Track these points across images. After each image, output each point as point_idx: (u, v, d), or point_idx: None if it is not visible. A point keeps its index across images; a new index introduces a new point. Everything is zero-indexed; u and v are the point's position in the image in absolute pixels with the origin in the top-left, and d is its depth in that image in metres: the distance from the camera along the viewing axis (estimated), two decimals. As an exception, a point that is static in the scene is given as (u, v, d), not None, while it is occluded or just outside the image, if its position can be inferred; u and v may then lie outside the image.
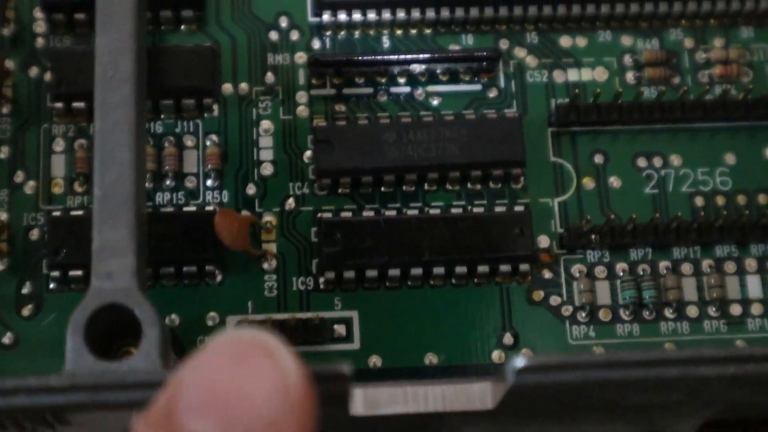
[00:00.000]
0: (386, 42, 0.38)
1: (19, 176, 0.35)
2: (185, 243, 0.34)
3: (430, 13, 0.37)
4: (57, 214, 0.34)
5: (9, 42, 0.37)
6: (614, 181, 0.37)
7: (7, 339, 0.34)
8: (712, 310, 0.35)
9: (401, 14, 0.37)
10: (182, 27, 0.37)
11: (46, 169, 0.35)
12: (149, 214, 0.33)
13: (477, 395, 0.27)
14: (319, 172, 0.35)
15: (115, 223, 0.29)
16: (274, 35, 0.38)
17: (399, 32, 0.38)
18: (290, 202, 0.36)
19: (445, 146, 0.35)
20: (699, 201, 0.37)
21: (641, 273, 0.36)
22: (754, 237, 0.36)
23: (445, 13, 0.37)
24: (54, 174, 0.35)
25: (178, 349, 0.34)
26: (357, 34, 0.38)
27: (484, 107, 0.37)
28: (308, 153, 0.36)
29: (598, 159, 0.37)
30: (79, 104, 0.35)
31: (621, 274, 0.36)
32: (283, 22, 0.38)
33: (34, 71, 0.37)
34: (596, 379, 0.26)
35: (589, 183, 0.36)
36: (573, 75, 0.38)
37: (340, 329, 0.34)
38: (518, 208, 0.35)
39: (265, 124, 0.36)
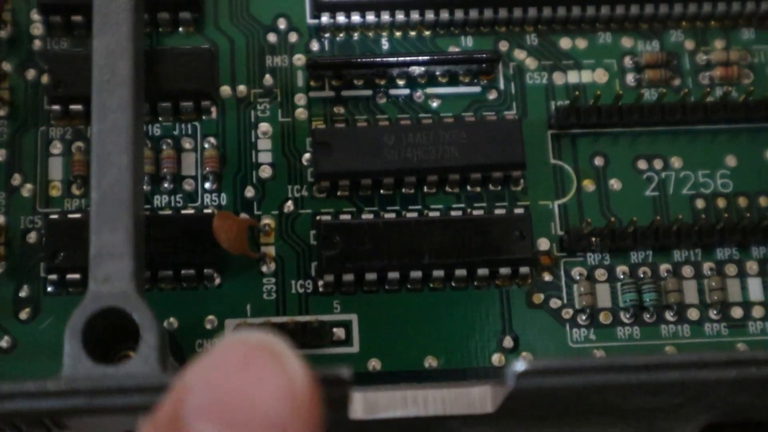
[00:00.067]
0: (385, 44, 0.38)
1: (17, 179, 0.35)
2: (183, 246, 0.34)
3: (430, 15, 0.37)
4: (54, 217, 0.34)
5: (6, 44, 0.37)
6: (614, 184, 0.36)
7: (4, 342, 0.34)
8: (713, 313, 0.35)
9: (400, 16, 0.37)
10: (180, 29, 0.37)
11: (43, 172, 0.35)
12: (147, 217, 0.33)
13: (477, 399, 0.27)
14: (318, 174, 0.35)
15: (112, 226, 0.29)
16: (272, 37, 0.37)
17: (398, 34, 0.38)
18: (289, 205, 0.35)
19: (445, 148, 0.35)
20: (700, 203, 0.36)
21: (642, 276, 0.35)
22: (755, 239, 0.36)
23: (444, 14, 0.37)
24: (51, 177, 0.35)
25: (176, 352, 0.34)
26: (356, 35, 0.38)
27: (483, 109, 0.37)
28: (307, 155, 0.36)
29: (599, 161, 0.37)
30: (76, 107, 0.35)
31: (621, 276, 0.35)
32: (282, 24, 0.38)
33: (31, 74, 0.36)
34: (597, 383, 0.26)
35: (589, 185, 0.36)
36: (573, 77, 0.38)
37: (339, 332, 0.34)
38: (518, 211, 0.35)
39: (264, 126, 0.36)
